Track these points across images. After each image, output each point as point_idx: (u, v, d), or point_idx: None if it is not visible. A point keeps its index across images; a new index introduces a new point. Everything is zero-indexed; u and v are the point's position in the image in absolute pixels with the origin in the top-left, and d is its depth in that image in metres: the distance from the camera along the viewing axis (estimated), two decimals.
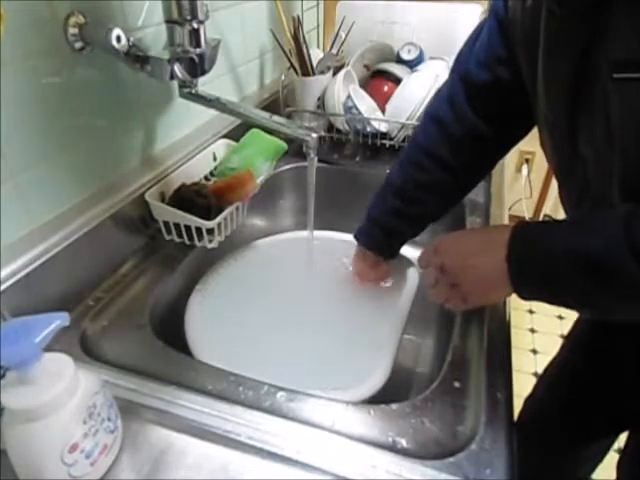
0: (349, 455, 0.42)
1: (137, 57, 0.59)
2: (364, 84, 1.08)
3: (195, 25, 0.58)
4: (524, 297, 0.42)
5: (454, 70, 0.60)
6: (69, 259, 0.58)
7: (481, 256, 0.44)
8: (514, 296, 0.44)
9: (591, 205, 0.45)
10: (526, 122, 0.54)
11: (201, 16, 0.58)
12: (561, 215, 0.50)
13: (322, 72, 1.02)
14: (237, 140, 0.83)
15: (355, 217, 0.98)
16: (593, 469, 0.88)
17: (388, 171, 0.66)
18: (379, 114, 1.00)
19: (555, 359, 0.82)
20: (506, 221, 0.78)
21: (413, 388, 0.73)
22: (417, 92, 0.94)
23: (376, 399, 0.52)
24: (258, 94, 1.07)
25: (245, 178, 0.71)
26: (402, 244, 0.69)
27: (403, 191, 0.63)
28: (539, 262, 0.40)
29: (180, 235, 0.70)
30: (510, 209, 2.18)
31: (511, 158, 2.12)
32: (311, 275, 0.78)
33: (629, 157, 0.36)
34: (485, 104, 0.56)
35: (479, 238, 0.48)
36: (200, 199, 0.68)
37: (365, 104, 1.00)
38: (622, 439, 0.75)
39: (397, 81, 1.03)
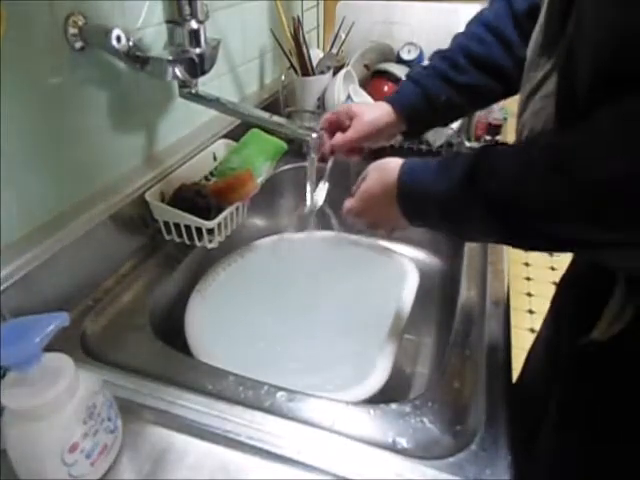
0: (349, 455, 0.42)
1: (137, 57, 0.59)
2: (364, 84, 1.08)
3: (195, 25, 0.59)
4: (418, 226, 0.50)
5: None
6: (69, 259, 0.58)
7: (385, 208, 0.51)
8: (514, 296, 0.45)
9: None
10: None
11: (201, 16, 0.58)
12: None
13: (322, 72, 1.02)
14: (237, 140, 0.83)
15: None
16: None
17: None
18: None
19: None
20: None
21: (413, 388, 0.73)
22: None
23: (376, 399, 0.51)
24: (258, 94, 1.07)
25: (245, 178, 0.71)
26: (425, 124, 0.65)
27: (451, 57, 0.60)
28: (414, 203, 0.47)
29: (180, 235, 0.70)
30: None
31: None
32: (311, 275, 0.78)
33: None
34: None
35: (379, 191, 0.52)
36: (200, 199, 0.68)
37: None
38: None
39: (397, 81, 1.03)
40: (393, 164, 0.50)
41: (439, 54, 0.62)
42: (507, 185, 0.38)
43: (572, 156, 0.34)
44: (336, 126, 0.65)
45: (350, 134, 0.62)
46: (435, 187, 0.44)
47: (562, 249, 0.43)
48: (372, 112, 0.63)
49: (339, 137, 0.63)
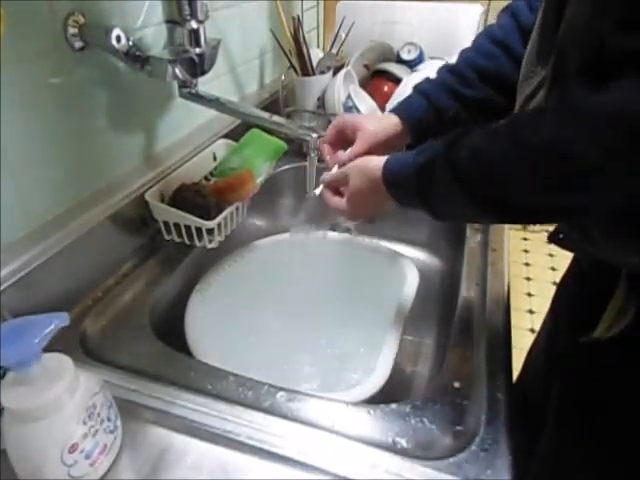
0: (349, 455, 0.42)
1: (137, 57, 0.60)
2: (364, 84, 1.08)
3: (195, 25, 0.59)
4: (406, 205, 0.51)
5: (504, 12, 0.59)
6: (69, 259, 0.58)
7: (375, 201, 0.54)
8: (514, 296, 0.45)
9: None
10: None
11: (201, 16, 0.58)
12: None
13: (322, 72, 1.02)
14: (237, 140, 0.83)
15: None
16: None
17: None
18: (379, 114, 1.00)
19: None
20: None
21: (413, 388, 0.73)
22: None
23: (376, 399, 0.51)
24: (258, 94, 1.07)
25: (245, 178, 0.71)
26: (431, 132, 0.63)
27: (459, 71, 0.60)
28: (398, 179, 0.49)
29: (180, 235, 0.70)
30: None
31: None
32: (310, 276, 0.78)
33: None
34: None
35: (367, 189, 0.54)
36: (200, 199, 0.68)
37: (365, 104, 1.00)
38: None
39: (397, 81, 1.03)
40: (375, 161, 0.52)
41: (446, 68, 0.61)
42: (474, 153, 0.41)
43: (522, 124, 0.39)
44: (340, 138, 0.64)
45: (356, 148, 0.61)
46: (417, 158, 0.47)
47: (533, 216, 0.43)
48: (377, 123, 0.62)
49: (344, 155, 0.62)
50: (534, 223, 0.46)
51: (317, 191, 0.64)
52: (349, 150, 0.61)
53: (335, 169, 0.61)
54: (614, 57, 0.33)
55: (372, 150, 0.61)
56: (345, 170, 0.56)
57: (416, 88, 0.63)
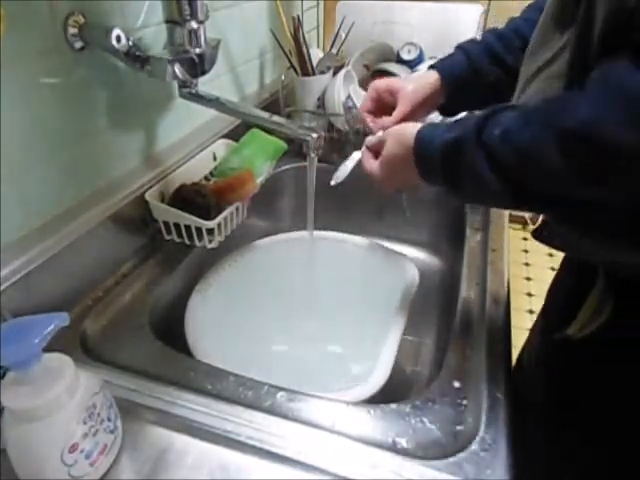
0: (349, 455, 0.42)
1: (137, 57, 0.59)
2: (364, 84, 1.08)
3: (195, 25, 0.59)
4: (432, 183, 0.49)
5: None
6: (69, 259, 0.58)
7: (405, 168, 0.51)
8: (514, 296, 0.45)
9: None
10: None
11: (201, 16, 0.58)
12: None
13: (322, 72, 1.02)
14: (237, 140, 0.83)
15: (355, 217, 0.99)
16: None
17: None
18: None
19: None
20: (506, 219, 0.78)
21: (413, 388, 0.73)
22: None
23: (376, 399, 0.52)
24: (258, 94, 1.07)
25: (245, 178, 0.71)
26: (465, 101, 0.63)
27: (504, 36, 0.59)
28: (427, 154, 0.47)
29: (180, 235, 0.70)
30: None
31: None
32: (311, 276, 0.78)
33: None
34: None
35: (399, 155, 0.52)
36: (200, 199, 0.68)
37: None
38: None
39: None
40: (410, 128, 0.50)
41: (493, 32, 0.60)
42: (505, 135, 0.39)
43: (552, 108, 0.37)
44: (379, 106, 0.63)
45: (400, 110, 0.60)
46: (447, 134, 0.44)
47: (561, 206, 0.42)
48: (415, 82, 0.61)
49: (388, 120, 0.61)
50: (554, 212, 0.44)
51: (339, 176, 0.63)
52: (393, 114, 0.60)
53: (380, 134, 0.59)
54: None
55: (415, 110, 0.60)
56: (384, 135, 0.55)
57: (459, 46, 0.61)
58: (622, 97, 0.32)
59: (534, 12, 0.57)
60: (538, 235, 0.49)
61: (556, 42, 0.42)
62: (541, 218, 0.49)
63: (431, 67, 0.62)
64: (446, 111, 0.65)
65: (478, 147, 0.41)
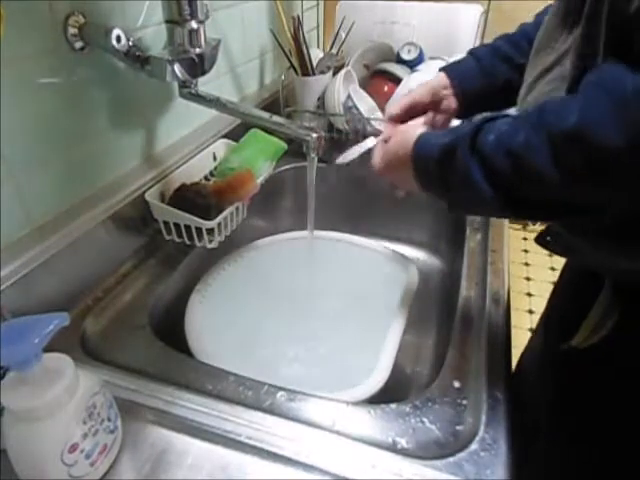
0: (349, 455, 0.42)
1: (137, 57, 0.59)
2: (364, 84, 1.08)
3: (195, 25, 0.58)
4: (427, 190, 0.50)
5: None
6: (69, 259, 0.58)
7: (402, 168, 0.51)
8: (514, 296, 0.45)
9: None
10: None
11: (201, 16, 0.58)
12: None
13: (322, 72, 1.02)
14: (237, 140, 0.83)
15: (355, 217, 0.99)
16: None
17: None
18: (379, 114, 1.00)
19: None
20: (506, 219, 0.78)
21: (413, 388, 0.73)
22: None
23: (376, 399, 0.52)
24: (258, 94, 1.07)
25: (245, 178, 0.71)
26: (478, 104, 0.63)
27: (514, 39, 0.59)
28: (423, 161, 0.48)
29: (180, 235, 0.70)
30: None
31: None
32: (311, 275, 0.78)
33: None
34: None
35: (399, 152, 0.52)
36: (200, 199, 0.68)
37: (365, 104, 1.00)
38: None
39: (397, 81, 1.03)
40: (414, 130, 0.50)
41: (503, 38, 0.60)
42: (498, 138, 0.39)
43: (546, 110, 0.37)
44: (408, 114, 0.63)
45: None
46: (444, 138, 0.45)
47: (552, 213, 0.41)
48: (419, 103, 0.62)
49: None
50: (547, 218, 0.44)
51: (346, 157, 0.63)
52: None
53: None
54: None
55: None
56: (394, 129, 0.55)
57: (471, 52, 0.62)
58: (614, 99, 0.32)
59: (544, 17, 0.58)
60: (541, 240, 0.49)
61: (561, 43, 0.42)
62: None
63: (441, 70, 0.62)
64: (461, 116, 0.66)
65: (472, 152, 0.41)
